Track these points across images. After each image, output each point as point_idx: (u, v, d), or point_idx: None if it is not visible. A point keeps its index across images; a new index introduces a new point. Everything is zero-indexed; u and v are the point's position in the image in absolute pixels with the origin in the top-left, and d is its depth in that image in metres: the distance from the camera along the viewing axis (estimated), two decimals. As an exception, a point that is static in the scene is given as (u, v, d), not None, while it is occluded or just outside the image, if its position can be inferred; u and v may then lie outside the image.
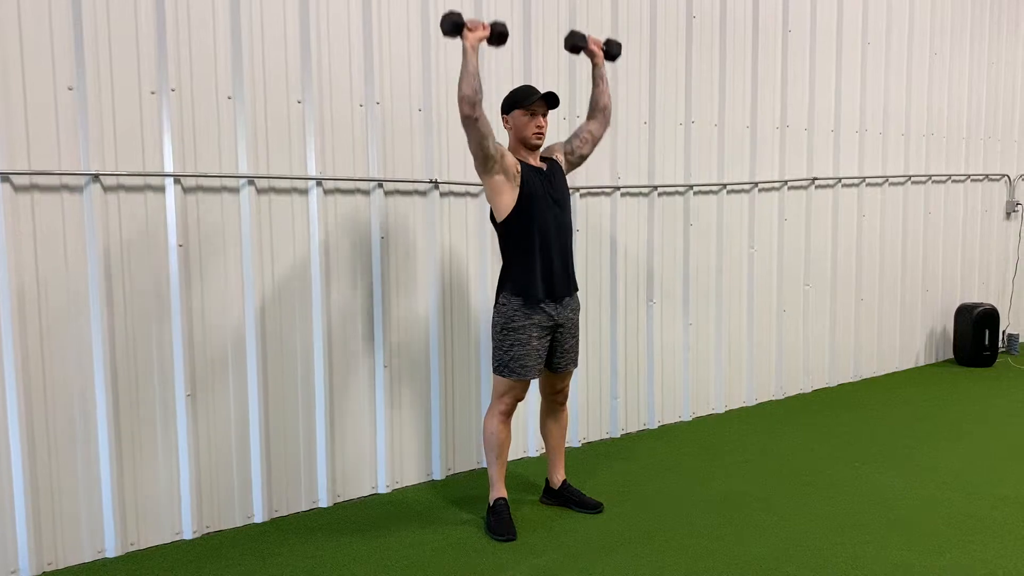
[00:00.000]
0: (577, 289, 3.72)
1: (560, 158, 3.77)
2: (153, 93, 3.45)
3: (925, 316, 6.83)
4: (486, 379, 4.45)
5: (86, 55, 3.28)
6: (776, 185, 5.67)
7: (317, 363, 3.92)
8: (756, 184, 5.55)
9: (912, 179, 6.55)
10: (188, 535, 3.62)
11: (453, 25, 3.37)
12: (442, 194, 4.25)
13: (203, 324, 3.62)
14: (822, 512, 3.81)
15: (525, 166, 3.57)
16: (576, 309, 3.74)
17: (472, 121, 3.36)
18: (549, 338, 3.64)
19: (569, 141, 3.83)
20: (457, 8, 4.21)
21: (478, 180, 4.34)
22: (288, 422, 3.87)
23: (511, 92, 3.64)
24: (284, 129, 3.77)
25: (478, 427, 4.47)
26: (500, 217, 3.56)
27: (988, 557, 3.33)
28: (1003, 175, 7.32)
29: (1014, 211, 7.43)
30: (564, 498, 3.91)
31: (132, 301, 3.45)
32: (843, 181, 6.06)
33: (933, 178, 6.71)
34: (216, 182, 3.62)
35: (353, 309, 4.02)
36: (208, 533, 3.68)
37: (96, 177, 3.32)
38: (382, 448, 4.14)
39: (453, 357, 4.36)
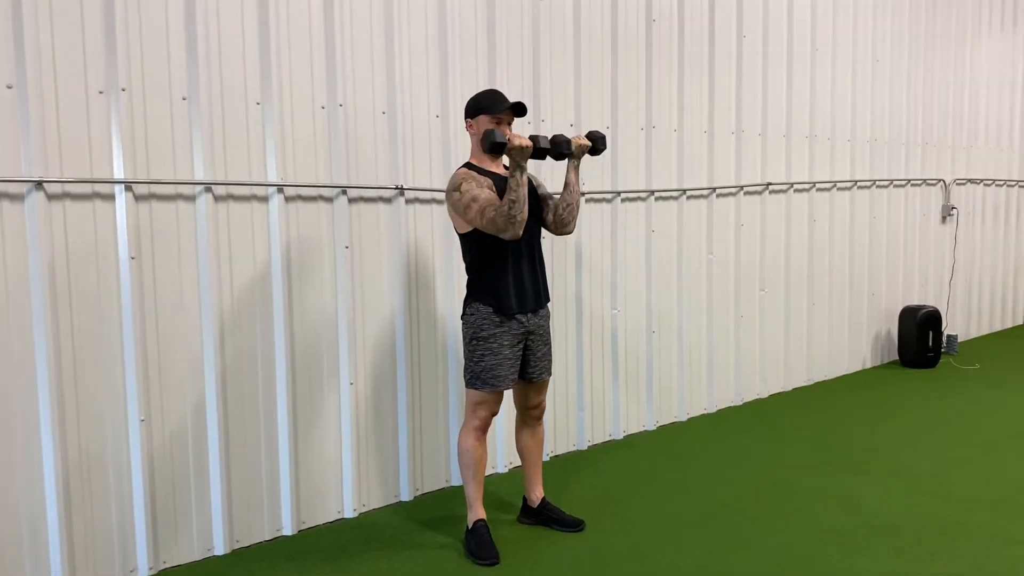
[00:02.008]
0: (548, 300, 3.58)
1: (535, 182, 3.63)
2: (101, 93, 3.17)
3: (871, 319, 6.93)
4: (454, 393, 4.27)
5: (27, 49, 2.98)
6: (732, 190, 5.65)
7: (279, 381, 3.68)
8: (714, 189, 5.52)
9: (858, 184, 6.63)
10: (143, 571, 3.33)
11: (492, 145, 3.20)
12: (407, 201, 4.06)
13: (157, 343, 3.34)
14: (804, 521, 3.75)
15: (494, 176, 3.41)
16: (546, 316, 3.59)
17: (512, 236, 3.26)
18: (521, 346, 3.49)
19: (544, 193, 3.63)
20: (421, 14, 4.03)
21: (444, 186, 4.17)
22: (249, 444, 3.62)
23: (478, 96, 3.46)
24: (242, 133, 3.53)
25: (446, 444, 4.28)
26: (463, 229, 3.40)
27: (978, 563, 3.32)
28: (939, 180, 7.50)
29: (949, 215, 7.62)
30: (544, 516, 3.75)
31: (80, 319, 3.16)
32: (795, 186, 6.09)
33: (877, 183, 6.81)
34: (170, 189, 3.35)
35: (316, 324, 3.80)
36: (165, 568, 3.40)
37: (39, 184, 3.02)
38: (348, 469, 3.91)
39: (420, 371, 4.16)
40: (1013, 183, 8.51)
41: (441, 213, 4.19)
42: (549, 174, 4.54)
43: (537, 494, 3.79)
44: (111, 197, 3.21)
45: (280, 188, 3.62)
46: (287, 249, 3.67)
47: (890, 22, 6.79)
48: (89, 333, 3.18)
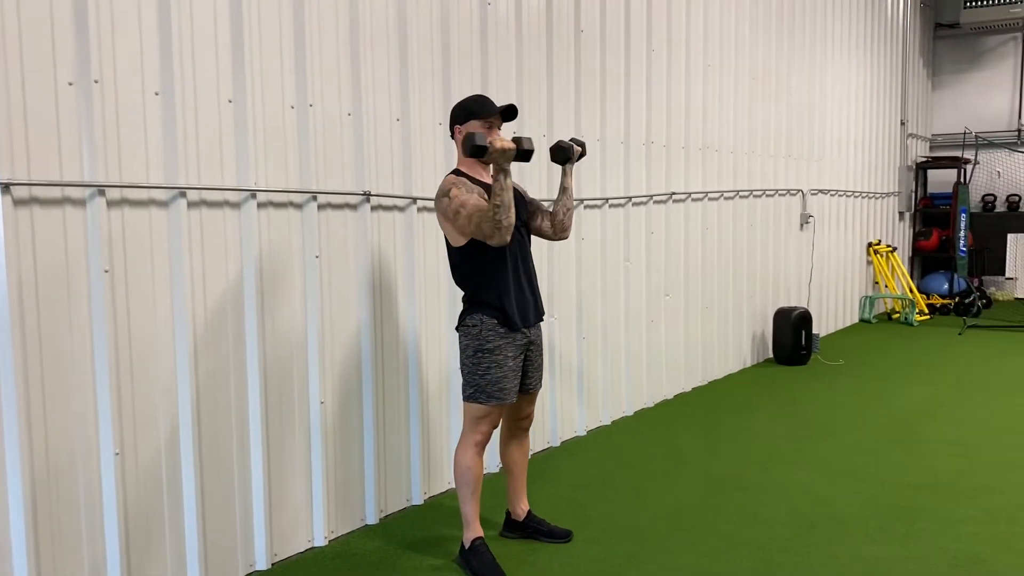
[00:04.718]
0: (544, 313, 3.53)
1: (520, 189, 3.56)
2: (71, 84, 2.79)
3: (749, 320, 7.36)
4: (415, 409, 4.11)
5: (-9, 32, 2.58)
6: (644, 199, 5.82)
7: (252, 405, 3.39)
8: (630, 199, 5.66)
9: (739, 194, 7.03)
10: (117, 625, 2.96)
11: (474, 149, 3.07)
12: (372, 208, 3.86)
13: (131, 368, 2.98)
14: (773, 517, 3.92)
15: (484, 186, 3.32)
16: (540, 325, 3.55)
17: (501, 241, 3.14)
18: (522, 358, 3.42)
19: (531, 200, 3.58)
20: (383, 14, 3.86)
21: (408, 193, 4.02)
22: (223, 472, 3.30)
23: (465, 101, 3.35)
24: (215, 132, 3.22)
25: (408, 462, 4.11)
26: (458, 242, 3.28)
27: (940, 543, 3.60)
28: (799, 190, 8.10)
29: (807, 223, 8.25)
30: (531, 529, 3.69)
31: (49, 342, 2.76)
32: (692, 196, 6.36)
33: (753, 193, 7.26)
34: (144, 194, 3.00)
35: (288, 340, 3.53)
36: (139, 619, 3.04)
37: (6, 187, 2.62)
38: (318, 495, 3.66)
39: (384, 387, 3.97)
40: (850, 193, 9.33)
41: (402, 221, 4.03)
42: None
43: (523, 507, 3.71)
44: (82, 202, 2.83)
45: (253, 193, 3.34)
46: (259, 260, 3.39)
47: (761, 41, 7.26)
48: (59, 358, 2.79)
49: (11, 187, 2.63)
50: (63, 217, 2.78)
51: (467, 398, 3.35)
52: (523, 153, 3.23)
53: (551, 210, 3.52)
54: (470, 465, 3.36)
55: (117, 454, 2.93)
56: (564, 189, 3.50)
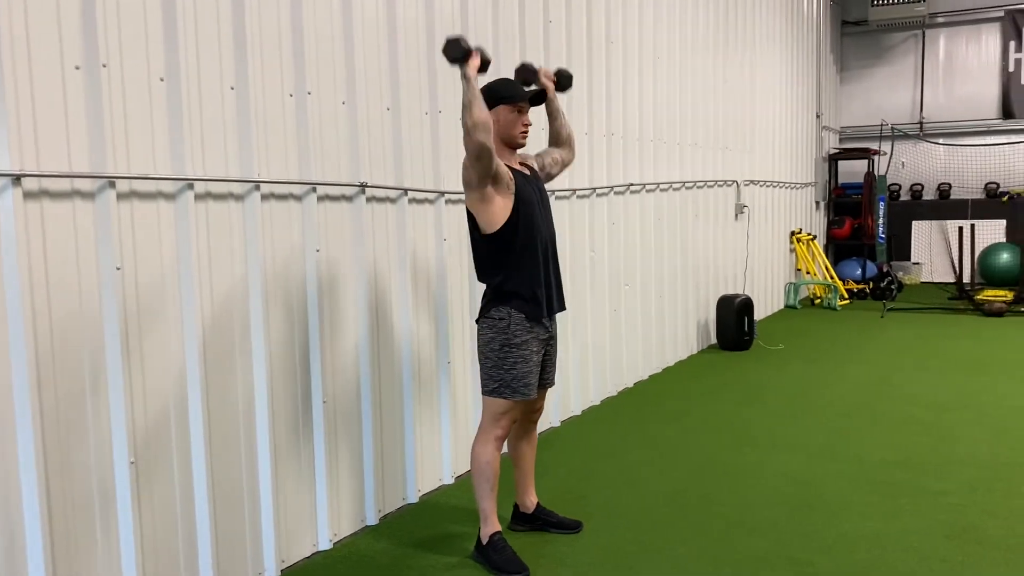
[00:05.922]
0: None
1: (535, 167, 3.53)
2: (78, 68, 2.59)
3: (695, 308, 7.51)
4: (409, 404, 4.02)
5: (-1, 10, 2.37)
6: (605, 191, 5.86)
7: (259, 404, 3.24)
8: (594, 190, 5.69)
9: (685, 185, 7.17)
10: (134, 644, 2.78)
11: (464, 53, 3.02)
12: (367, 199, 3.75)
13: (142, 369, 2.80)
14: (766, 499, 4.01)
15: (514, 172, 3.28)
16: (555, 319, 3.54)
17: (487, 148, 3.03)
18: (543, 352, 3.40)
19: (541, 157, 3.60)
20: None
21: (400, 184, 3.93)
22: (232, 477, 3.15)
23: (494, 84, 3.31)
24: (219, 121, 3.06)
25: (403, 460, 4.02)
26: (491, 228, 3.22)
27: (931, 514, 3.76)
28: (734, 181, 8.32)
29: (741, 213, 8.48)
30: (541, 522, 3.66)
31: (62, 346, 2.57)
32: (646, 187, 6.45)
33: (697, 184, 7.41)
34: (151, 186, 2.83)
35: (292, 336, 3.39)
36: (156, 637, 2.87)
37: (18, 179, 2.41)
38: (322, 496, 3.54)
39: (381, 384, 3.87)
40: (775, 183, 9.64)
41: (395, 213, 3.93)
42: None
43: (532, 499, 3.69)
44: (91, 195, 2.64)
45: (257, 185, 3.19)
46: (263, 255, 3.24)
47: (701, 34, 7.41)
48: (72, 359, 2.59)
49: (22, 179, 2.43)
50: (72, 211, 2.59)
51: (489, 393, 3.29)
52: (486, 64, 3.15)
53: (556, 132, 3.68)
54: (490, 460, 3.31)
55: (132, 463, 2.75)
56: (558, 110, 3.68)
